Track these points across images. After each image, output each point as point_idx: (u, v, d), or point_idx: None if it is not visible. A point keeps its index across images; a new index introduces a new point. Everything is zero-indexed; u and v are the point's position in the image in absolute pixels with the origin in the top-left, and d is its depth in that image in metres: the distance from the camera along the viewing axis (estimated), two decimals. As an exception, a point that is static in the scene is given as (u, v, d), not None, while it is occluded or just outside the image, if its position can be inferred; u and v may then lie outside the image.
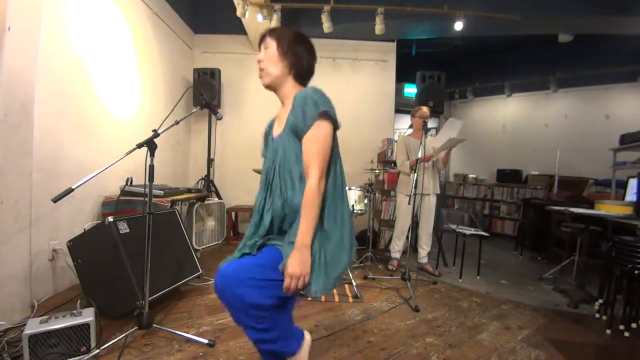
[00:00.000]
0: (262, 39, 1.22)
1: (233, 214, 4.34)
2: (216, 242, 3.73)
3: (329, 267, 1.05)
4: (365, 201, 3.14)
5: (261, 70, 1.20)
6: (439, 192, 3.26)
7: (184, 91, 2.59)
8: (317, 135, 1.06)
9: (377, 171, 3.84)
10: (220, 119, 2.17)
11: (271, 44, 1.18)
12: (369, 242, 3.43)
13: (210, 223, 3.59)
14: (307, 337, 1.31)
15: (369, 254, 3.38)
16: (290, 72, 1.19)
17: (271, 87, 1.22)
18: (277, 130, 1.25)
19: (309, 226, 1.01)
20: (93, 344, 1.53)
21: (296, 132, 1.09)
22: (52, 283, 2.22)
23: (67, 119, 2.32)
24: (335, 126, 1.13)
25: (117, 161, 1.61)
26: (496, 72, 6.04)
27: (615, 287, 2.23)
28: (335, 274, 1.07)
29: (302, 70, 1.21)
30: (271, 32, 1.21)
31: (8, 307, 1.80)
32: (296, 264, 0.98)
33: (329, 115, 1.08)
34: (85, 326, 1.51)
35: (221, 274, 1.12)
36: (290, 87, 1.20)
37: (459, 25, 3.69)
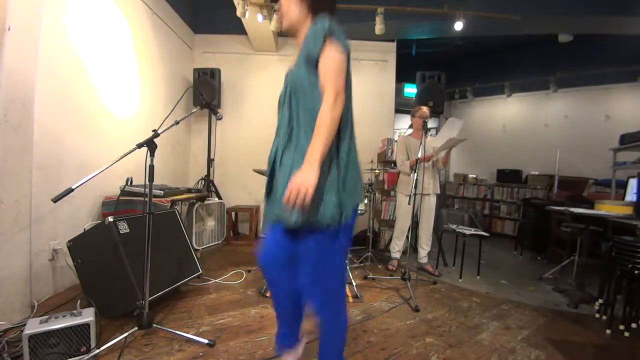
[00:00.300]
0: None
1: (233, 214, 4.34)
2: (216, 242, 3.73)
3: (347, 190, 1.04)
4: (365, 201, 3.14)
5: (280, 14, 1.18)
6: (439, 192, 3.26)
7: (184, 91, 2.60)
8: (330, 58, 1.03)
9: (377, 171, 3.84)
10: (220, 119, 2.17)
11: None
12: (369, 242, 3.43)
13: (210, 223, 3.59)
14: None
15: (369, 254, 3.38)
16: (311, 13, 1.14)
17: (290, 30, 1.18)
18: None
19: (321, 143, 0.96)
20: (93, 344, 1.53)
21: (309, 59, 1.05)
22: (52, 283, 2.22)
23: (67, 118, 2.32)
24: (347, 52, 1.08)
25: (117, 161, 1.61)
26: (496, 72, 6.04)
27: (615, 287, 2.23)
28: (352, 204, 1.05)
29: (323, 9, 1.15)
30: None
31: (8, 307, 1.80)
32: (300, 175, 0.95)
33: (338, 38, 1.04)
34: (85, 326, 1.51)
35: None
36: (307, 25, 1.15)
37: (459, 25, 3.69)
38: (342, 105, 1.01)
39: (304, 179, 0.94)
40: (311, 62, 1.06)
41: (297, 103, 1.09)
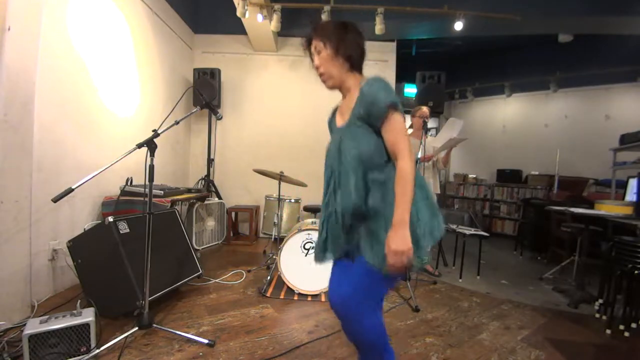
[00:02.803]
0: (309, 42, 1.22)
1: (233, 214, 4.34)
2: (216, 242, 3.74)
3: (426, 238, 1.08)
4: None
5: (321, 75, 1.21)
6: (439, 192, 3.26)
7: (184, 91, 2.59)
8: (396, 124, 1.10)
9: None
10: (220, 118, 2.18)
11: (321, 46, 1.17)
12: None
13: (210, 223, 3.60)
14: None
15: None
16: (348, 66, 1.19)
17: (335, 87, 1.23)
18: (340, 121, 1.26)
19: (406, 203, 1.03)
20: (93, 344, 1.53)
21: (367, 120, 1.12)
22: (52, 283, 2.22)
23: (68, 118, 2.32)
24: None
25: (117, 161, 1.61)
26: (496, 72, 6.04)
27: (615, 287, 2.23)
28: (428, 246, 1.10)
29: (358, 59, 1.21)
30: (316, 33, 1.19)
31: (8, 307, 1.80)
32: (398, 240, 1.00)
33: (398, 106, 1.11)
34: (85, 326, 1.51)
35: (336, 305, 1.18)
36: (352, 79, 1.21)
37: (459, 25, 3.69)
38: (413, 165, 1.08)
39: (400, 244, 1.00)
40: (371, 123, 1.12)
41: (348, 154, 1.14)
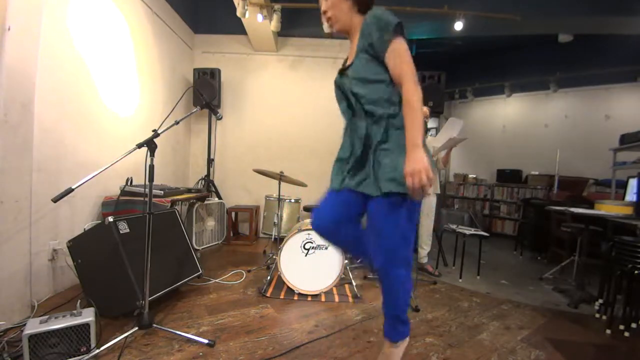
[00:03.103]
0: None
1: (233, 214, 4.34)
2: (216, 242, 3.74)
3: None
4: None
5: (329, 19, 1.21)
6: (439, 192, 3.26)
7: (184, 91, 2.59)
8: (401, 50, 1.09)
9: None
10: (220, 118, 2.17)
11: None
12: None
13: (210, 223, 3.60)
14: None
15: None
16: (355, 7, 1.19)
17: (342, 30, 1.23)
18: (349, 60, 1.25)
19: (417, 126, 1.04)
20: (93, 344, 1.53)
21: (374, 52, 1.11)
22: (52, 283, 2.22)
23: (68, 118, 2.32)
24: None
25: (117, 161, 1.62)
26: (496, 72, 6.04)
27: (615, 287, 2.23)
28: None
29: (367, 2, 1.21)
30: None
31: (8, 307, 1.80)
32: (413, 160, 1.01)
33: (402, 31, 1.11)
34: (85, 326, 1.51)
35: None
36: (358, 20, 1.20)
37: (459, 25, 3.69)
38: (420, 89, 1.07)
39: (417, 163, 1.00)
40: (376, 52, 1.11)
41: (361, 94, 1.14)
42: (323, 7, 1.22)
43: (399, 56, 1.09)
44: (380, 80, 1.13)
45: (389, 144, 1.13)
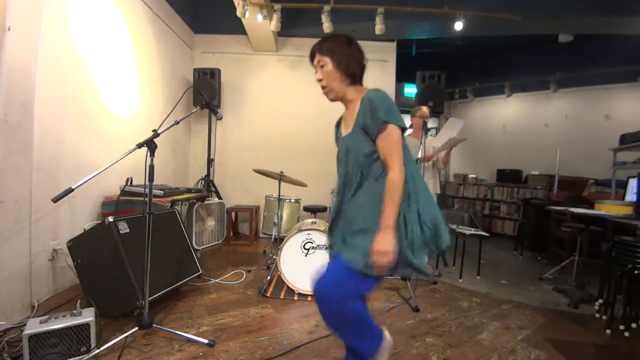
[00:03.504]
0: (312, 55, 1.27)
1: (233, 214, 4.34)
2: (216, 242, 3.73)
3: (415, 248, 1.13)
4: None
5: (324, 88, 1.27)
6: (439, 192, 3.26)
7: (184, 91, 2.60)
8: (391, 135, 1.15)
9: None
10: (220, 118, 2.17)
11: (325, 61, 1.23)
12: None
13: (210, 223, 3.60)
14: (387, 336, 1.32)
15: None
16: (349, 80, 1.25)
17: (336, 99, 1.29)
18: (344, 130, 1.32)
19: (393, 209, 1.09)
20: (93, 344, 1.53)
21: (368, 130, 1.17)
22: (52, 283, 2.22)
23: (68, 118, 2.32)
24: (402, 128, 1.18)
25: (117, 161, 1.61)
26: (496, 72, 6.04)
27: (615, 287, 2.23)
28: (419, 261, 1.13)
29: (359, 73, 1.27)
30: (320, 47, 1.25)
31: (8, 307, 1.80)
32: (382, 242, 1.07)
33: (395, 119, 1.15)
34: (85, 326, 1.51)
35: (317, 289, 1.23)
36: (353, 92, 1.26)
37: (459, 25, 3.69)
38: (404, 177, 1.13)
39: (383, 245, 1.06)
40: (369, 134, 1.17)
41: (354, 161, 1.22)
42: (318, 76, 1.26)
43: (390, 142, 1.14)
44: (373, 152, 1.19)
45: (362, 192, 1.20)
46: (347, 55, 1.23)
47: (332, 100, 1.29)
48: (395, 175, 1.11)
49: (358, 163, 1.20)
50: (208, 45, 4.56)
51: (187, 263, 2.38)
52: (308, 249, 2.48)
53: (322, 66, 1.24)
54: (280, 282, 2.59)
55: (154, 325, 1.76)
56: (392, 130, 1.14)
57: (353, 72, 1.24)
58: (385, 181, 1.15)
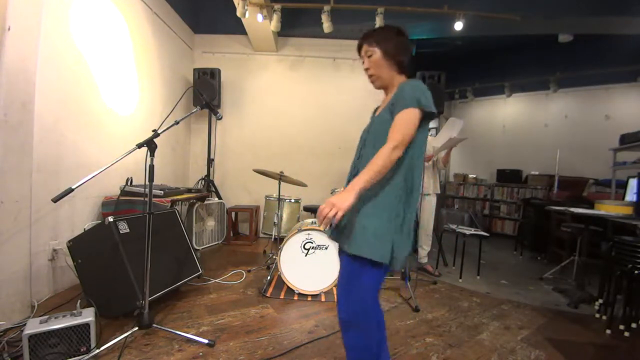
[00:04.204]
0: (360, 47, 1.31)
1: (233, 214, 4.34)
2: (216, 242, 3.73)
3: (377, 238, 1.13)
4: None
5: (371, 76, 1.30)
6: (439, 192, 3.26)
7: (184, 91, 2.59)
8: (404, 115, 1.14)
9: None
10: (220, 118, 2.17)
11: (373, 50, 1.26)
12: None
13: (210, 223, 3.60)
14: None
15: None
16: (397, 69, 1.28)
17: (382, 87, 1.33)
18: (378, 112, 1.35)
19: (367, 177, 1.07)
20: (93, 344, 1.53)
21: (392, 111, 1.19)
22: (52, 283, 2.22)
23: (68, 118, 2.32)
24: (428, 116, 1.18)
25: (117, 161, 1.62)
26: (496, 72, 6.04)
27: (615, 287, 2.23)
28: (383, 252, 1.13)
29: (407, 62, 1.29)
30: (368, 38, 1.28)
31: (8, 307, 1.80)
32: (337, 196, 1.06)
33: (421, 106, 1.15)
34: (85, 326, 1.51)
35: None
36: (397, 80, 1.29)
37: (459, 25, 3.68)
38: (399, 155, 1.12)
39: (338, 200, 1.04)
40: (392, 114, 1.19)
41: (370, 140, 1.25)
42: (365, 65, 1.30)
43: (400, 118, 1.15)
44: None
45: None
46: (396, 45, 1.25)
47: (378, 88, 1.33)
48: (387, 151, 1.09)
49: (376, 141, 1.19)
50: (208, 45, 4.56)
51: (187, 263, 2.38)
52: (308, 249, 2.48)
53: (369, 56, 1.27)
54: (280, 282, 2.59)
55: (154, 325, 1.76)
56: (410, 111, 1.14)
57: (400, 60, 1.26)
58: (400, 171, 1.15)
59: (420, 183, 1.23)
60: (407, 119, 1.13)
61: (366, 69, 1.29)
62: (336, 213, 1.03)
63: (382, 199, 1.16)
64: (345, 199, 1.04)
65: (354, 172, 1.28)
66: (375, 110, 1.43)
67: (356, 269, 1.16)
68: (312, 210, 3.69)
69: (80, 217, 2.46)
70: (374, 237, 1.13)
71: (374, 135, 1.24)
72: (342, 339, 1.25)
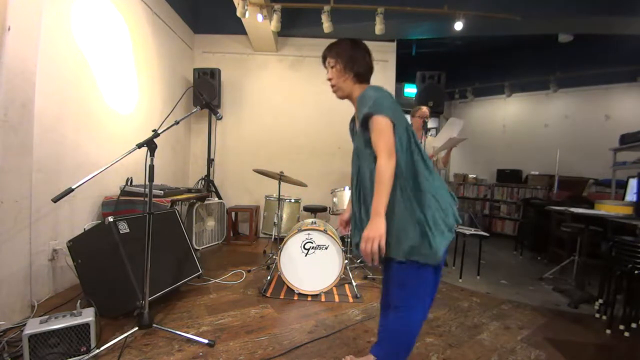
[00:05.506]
0: (324, 58, 1.39)
1: (233, 214, 4.34)
2: (216, 242, 3.74)
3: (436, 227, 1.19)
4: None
5: (333, 86, 1.38)
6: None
7: (184, 91, 2.60)
8: (373, 127, 1.22)
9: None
10: (220, 119, 2.17)
11: (333, 62, 1.35)
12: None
13: (210, 223, 3.60)
14: None
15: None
16: (356, 79, 1.35)
17: (344, 97, 1.40)
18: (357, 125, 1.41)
19: (383, 197, 1.15)
20: (93, 344, 1.53)
21: (364, 125, 1.27)
22: (52, 283, 2.22)
23: (68, 118, 2.32)
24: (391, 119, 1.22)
25: (117, 161, 1.61)
26: (496, 72, 6.04)
27: (615, 287, 2.23)
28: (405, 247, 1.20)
29: (365, 73, 1.37)
30: (329, 50, 1.37)
31: (8, 307, 1.80)
32: (370, 228, 1.14)
33: (380, 109, 1.21)
34: (85, 326, 1.51)
35: None
36: (358, 90, 1.35)
37: (459, 25, 3.68)
38: (394, 161, 1.18)
39: (371, 231, 1.13)
40: (364, 126, 1.27)
41: (357, 157, 1.37)
42: (328, 75, 1.38)
43: (376, 132, 1.21)
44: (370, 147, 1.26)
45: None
46: (351, 56, 1.33)
47: (341, 98, 1.40)
48: (384, 166, 1.16)
49: (367, 163, 1.27)
50: (208, 45, 4.56)
51: (187, 263, 2.38)
52: (308, 249, 2.48)
53: (332, 67, 1.36)
54: (280, 282, 2.59)
55: (154, 325, 1.76)
56: (376, 120, 1.20)
57: (358, 72, 1.33)
58: (398, 187, 1.21)
59: (415, 166, 1.25)
60: (377, 130, 1.20)
61: (329, 79, 1.37)
62: (379, 243, 1.11)
63: (392, 205, 1.22)
64: (377, 227, 1.12)
65: (355, 184, 1.39)
66: (353, 119, 1.50)
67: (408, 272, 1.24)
68: (312, 210, 3.69)
69: (80, 217, 2.46)
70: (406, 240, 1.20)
71: (364, 159, 1.32)
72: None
